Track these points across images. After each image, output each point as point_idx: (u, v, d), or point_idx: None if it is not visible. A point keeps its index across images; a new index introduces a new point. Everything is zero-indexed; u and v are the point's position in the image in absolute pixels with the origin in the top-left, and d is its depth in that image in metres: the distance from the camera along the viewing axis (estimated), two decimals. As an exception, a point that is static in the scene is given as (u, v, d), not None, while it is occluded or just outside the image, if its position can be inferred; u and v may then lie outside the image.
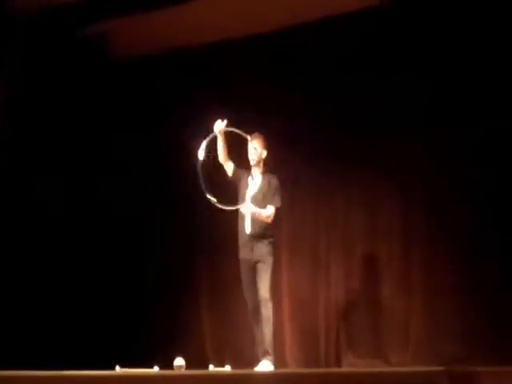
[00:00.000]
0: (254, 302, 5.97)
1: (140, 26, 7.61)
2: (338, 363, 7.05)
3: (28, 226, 7.47)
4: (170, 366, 6.11)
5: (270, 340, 5.86)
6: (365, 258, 7.17)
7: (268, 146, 6.16)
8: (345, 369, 6.78)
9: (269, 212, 6.03)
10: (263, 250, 6.00)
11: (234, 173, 6.14)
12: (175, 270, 7.74)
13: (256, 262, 5.98)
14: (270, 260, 5.98)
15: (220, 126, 6.01)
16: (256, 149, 6.09)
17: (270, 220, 6.04)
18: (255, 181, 6.14)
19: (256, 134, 6.14)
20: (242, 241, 6.09)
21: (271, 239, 6.05)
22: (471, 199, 6.67)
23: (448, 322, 6.64)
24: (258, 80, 7.60)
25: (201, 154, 5.92)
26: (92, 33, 7.71)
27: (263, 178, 6.15)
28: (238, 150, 6.17)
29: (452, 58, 6.92)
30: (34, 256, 7.42)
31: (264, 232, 6.02)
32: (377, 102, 7.17)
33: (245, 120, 7.28)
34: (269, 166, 6.24)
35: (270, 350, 5.84)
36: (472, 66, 6.79)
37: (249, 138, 6.05)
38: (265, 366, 5.78)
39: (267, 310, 5.89)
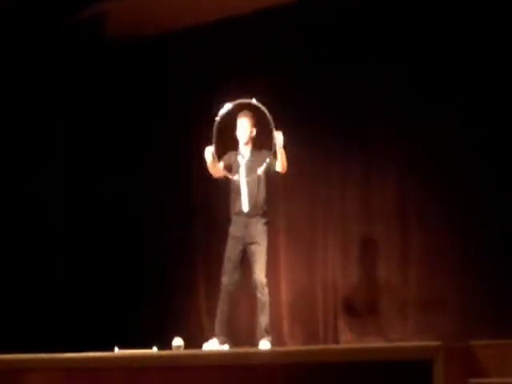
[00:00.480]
0: (233, 282, 5.92)
1: (137, 7, 7.55)
2: (337, 341, 7.09)
3: (28, 221, 7.48)
4: (168, 346, 6.14)
5: (266, 325, 5.86)
6: (362, 238, 7.18)
7: (257, 124, 6.11)
8: (342, 345, 6.82)
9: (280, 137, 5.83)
10: (259, 229, 5.94)
11: (225, 167, 6.03)
12: (173, 249, 7.76)
13: (250, 243, 5.92)
14: (265, 241, 5.93)
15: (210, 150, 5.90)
16: (246, 127, 6.04)
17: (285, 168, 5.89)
18: (245, 158, 6.07)
19: (245, 111, 6.06)
20: (236, 218, 6.02)
21: (267, 219, 6.02)
22: (470, 176, 6.66)
23: (446, 298, 6.66)
24: (259, 61, 7.57)
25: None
26: (87, 15, 7.65)
27: (253, 156, 6.07)
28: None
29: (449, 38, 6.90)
30: (36, 244, 7.45)
31: (261, 210, 5.99)
32: (375, 83, 7.12)
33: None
34: (257, 144, 6.20)
35: (268, 332, 5.85)
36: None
37: (253, 100, 5.91)
38: (265, 345, 5.80)
39: (264, 296, 5.86)
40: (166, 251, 7.82)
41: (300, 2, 7.38)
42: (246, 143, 6.07)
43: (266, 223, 5.99)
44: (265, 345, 5.80)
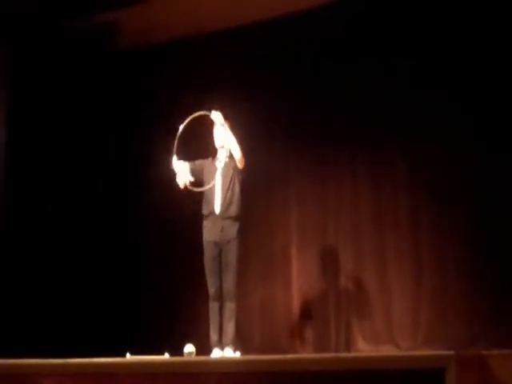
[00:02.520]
0: (218, 287, 5.91)
1: (146, 15, 7.60)
2: (348, 349, 7.08)
3: (44, 230, 7.54)
4: (180, 352, 6.14)
5: (232, 335, 5.85)
6: (373, 243, 7.18)
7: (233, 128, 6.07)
8: (354, 353, 6.80)
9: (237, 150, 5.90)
10: (233, 230, 5.93)
11: (192, 171, 6.01)
12: (183, 256, 7.76)
13: (224, 245, 5.92)
14: (237, 243, 5.90)
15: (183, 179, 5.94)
16: (221, 131, 6.03)
17: (241, 162, 5.93)
18: (222, 162, 6.06)
19: (218, 117, 6.00)
20: (208, 222, 6.00)
21: (240, 222, 5.97)
22: (481, 182, 6.65)
23: (458, 307, 6.64)
24: (265, 68, 7.59)
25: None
26: (97, 22, 7.70)
27: (229, 161, 6.05)
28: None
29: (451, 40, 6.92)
30: (47, 249, 7.50)
31: (234, 214, 5.97)
32: (386, 86, 7.16)
33: (253, 108, 7.37)
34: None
35: (234, 342, 5.85)
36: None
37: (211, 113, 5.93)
38: (229, 353, 5.81)
39: (233, 304, 5.88)
40: (178, 257, 7.83)
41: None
42: (222, 147, 6.10)
43: (240, 227, 5.97)
44: (229, 352, 5.82)
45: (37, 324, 7.13)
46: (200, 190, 5.99)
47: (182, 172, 5.97)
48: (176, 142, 5.96)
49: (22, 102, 7.50)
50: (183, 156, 6.03)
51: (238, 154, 5.94)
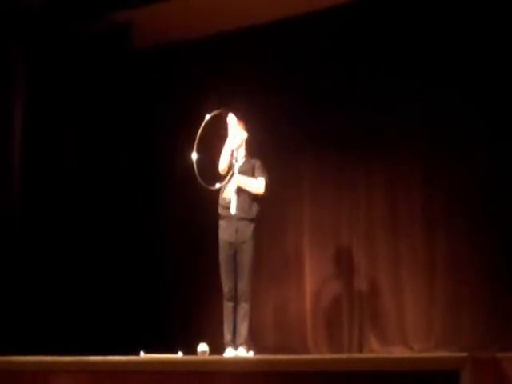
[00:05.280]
0: (232, 288, 5.94)
1: (163, 15, 7.62)
2: (361, 350, 7.07)
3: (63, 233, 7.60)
4: (193, 351, 6.15)
5: (246, 335, 5.88)
6: (387, 245, 7.16)
7: (249, 129, 6.13)
8: (366, 354, 6.79)
9: (259, 183, 5.99)
10: (248, 231, 5.95)
11: (225, 172, 6.04)
12: (198, 255, 7.78)
13: (240, 248, 5.94)
14: (252, 244, 5.94)
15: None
16: (239, 132, 6.06)
17: (262, 190, 5.98)
18: (239, 163, 6.09)
19: (235, 117, 6.07)
20: (224, 222, 6.02)
21: (255, 224, 6.00)
22: (496, 185, 6.63)
23: (471, 309, 6.62)
24: (281, 69, 7.60)
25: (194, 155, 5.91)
26: (115, 23, 7.73)
27: (246, 162, 6.11)
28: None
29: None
30: (64, 247, 7.56)
31: (250, 213, 5.99)
32: (398, 93, 7.17)
33: (268, 107, 7.38)
34: (251, 148, 6.22)
35: (247, 342, 5.88)
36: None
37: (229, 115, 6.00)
38: (242, 352, 5.84)
39: (247, 304, 5.90)
40: (193, 256, 7.85)
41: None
42: (239, 147, 6.10)
43: (255, 229, 6.00)
44: (242, 352, 5.84)
45: (51, 322, 7.17)
46: (215, 188, 5.99)
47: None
48: (198, 137, 5.95)
49: (38, 102, 7.54)
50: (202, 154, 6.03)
51: (262, 181, 6.01)
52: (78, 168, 7.85)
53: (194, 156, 5.93)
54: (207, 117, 6.04)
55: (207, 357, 6.01)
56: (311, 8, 7.37)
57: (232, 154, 6.01)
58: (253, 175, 6.07)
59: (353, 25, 7.37)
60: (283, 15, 7.53)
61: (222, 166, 6.03)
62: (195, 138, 5.98)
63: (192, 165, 5.90)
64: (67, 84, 7.74)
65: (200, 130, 6.00)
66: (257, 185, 6.02)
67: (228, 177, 5.98)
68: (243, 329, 5.88)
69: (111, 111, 8.10)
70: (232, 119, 6.05)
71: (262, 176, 6.06)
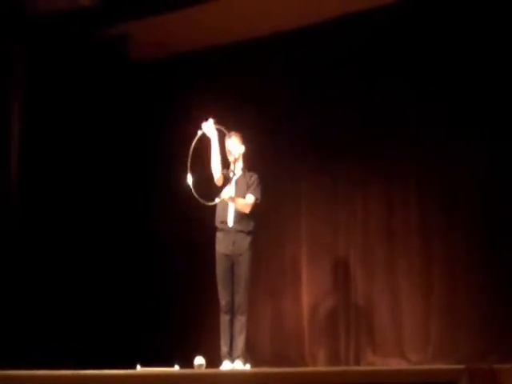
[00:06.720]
0: (229, 300, 5.94)
1: (160, 27, 7.63)
2: (358, 362, 7.06)
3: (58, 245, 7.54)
4: (190, 365, 6.14)
5: (243, 348, 5.87)
6: (384, 256, 7.17)
7: (245, 142, 6.14)
8: (364, 367, 6.78)
9: (247, 201, 5.99)
10: (245, 244, 5.96)
11: (221, 182, 6.04)
12: (195, 268, 7.77)
13: (236, 258, 5.94)
14: (249, 256, 5.94)
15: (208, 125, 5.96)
16: (235, 145, 6.08)
17: (247, 210, 5.98)
18: (236, 176, 6.09)
19: (232, 132, 6.10)
20: (221, 234, 6.03)
21: (253, 237, 6.00)
22: (492, 193, 6.65)
23: (468, 321, 6.62)
24: (277, 81, 7.62)
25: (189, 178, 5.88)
26: (112, 35, 7.74)
27: (243, 175, 6.13)
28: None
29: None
30: (60, 251, 7.49)
31: (247, 226, 6.00)
32: (395, 97, 7.18)
33: (264, 119, 7.39)
34: (248, 162, 6.23)
35: (244, 354, 5.86)
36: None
37: (229, 133, 6.02)
38: (239, 365, 5.82)
39: (244, 317, 5.90)
40: (189, 269, 7.84)
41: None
42: (236, 160, 6.12)
43: (252, 241, 6.00)
44: (239, 365, 5.82)
45: (45, 335, 7.12)
46: (212, 204, 6.00)
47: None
48: (189, 157, 5.96)
49: (37, 102, 7.49)
50: (197, 169, 6.02)
51: (250, 198, 6.00)
52: (77, 168, 7.83)
53: (190, 179, 5.89)
54: (199, 133, 6.03)
55: (204, 370, 5.99)
56: (310, 20, 7.41)
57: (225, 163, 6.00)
58: (248, 188, 6.07)
59: (348, 37, 7.40)
60: (280, 27, 7.56)
61: (217, 176, 6.03)
62: (188, 157, 5.96)
63: (188, 186, 5.88)
64: (67, 85, 7.70)
65: (191, 149, 5.99)
66: (242, 204, 6.00)
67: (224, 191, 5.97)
68: (240, 341, 5.88)
69: (108, 117, 8.07)
70: (208, 126, 6.00)
71: (252, 193, 6.05)
